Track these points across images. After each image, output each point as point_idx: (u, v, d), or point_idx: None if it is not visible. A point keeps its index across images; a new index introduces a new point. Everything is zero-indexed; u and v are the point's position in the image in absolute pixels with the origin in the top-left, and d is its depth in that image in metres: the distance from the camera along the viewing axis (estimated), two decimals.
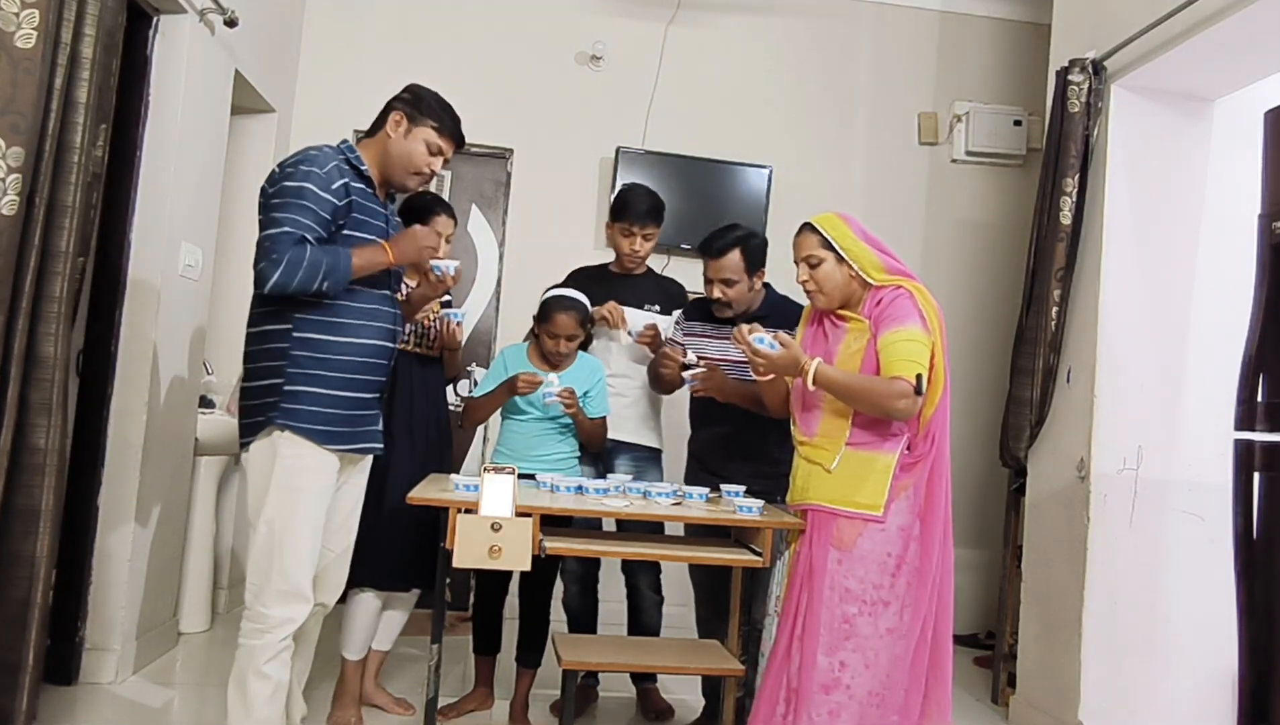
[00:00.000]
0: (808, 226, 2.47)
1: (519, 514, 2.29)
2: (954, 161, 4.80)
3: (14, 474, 2.24)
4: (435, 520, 2.52)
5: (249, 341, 2.33)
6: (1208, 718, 3.12)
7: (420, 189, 2.57)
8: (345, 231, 2.28)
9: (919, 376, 2.28)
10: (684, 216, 4.31)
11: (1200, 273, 3.27)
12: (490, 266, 4.55)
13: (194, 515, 3.75)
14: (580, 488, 2.65)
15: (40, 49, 2.17)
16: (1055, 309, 3.32)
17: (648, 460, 3.26)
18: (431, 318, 2.96)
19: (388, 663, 3.16)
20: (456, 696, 3.14)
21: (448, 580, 2.57)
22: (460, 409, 4.35)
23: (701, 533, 2.81)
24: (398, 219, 2.57)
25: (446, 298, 3.01)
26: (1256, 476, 2.56)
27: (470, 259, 4.50)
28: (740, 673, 2.55)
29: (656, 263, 3.48)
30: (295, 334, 2.25)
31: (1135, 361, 3.22)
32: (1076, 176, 3.27)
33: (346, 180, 2.28)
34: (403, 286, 2.66)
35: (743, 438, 2.94)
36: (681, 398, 3.18)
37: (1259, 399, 2.56)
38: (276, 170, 2.28)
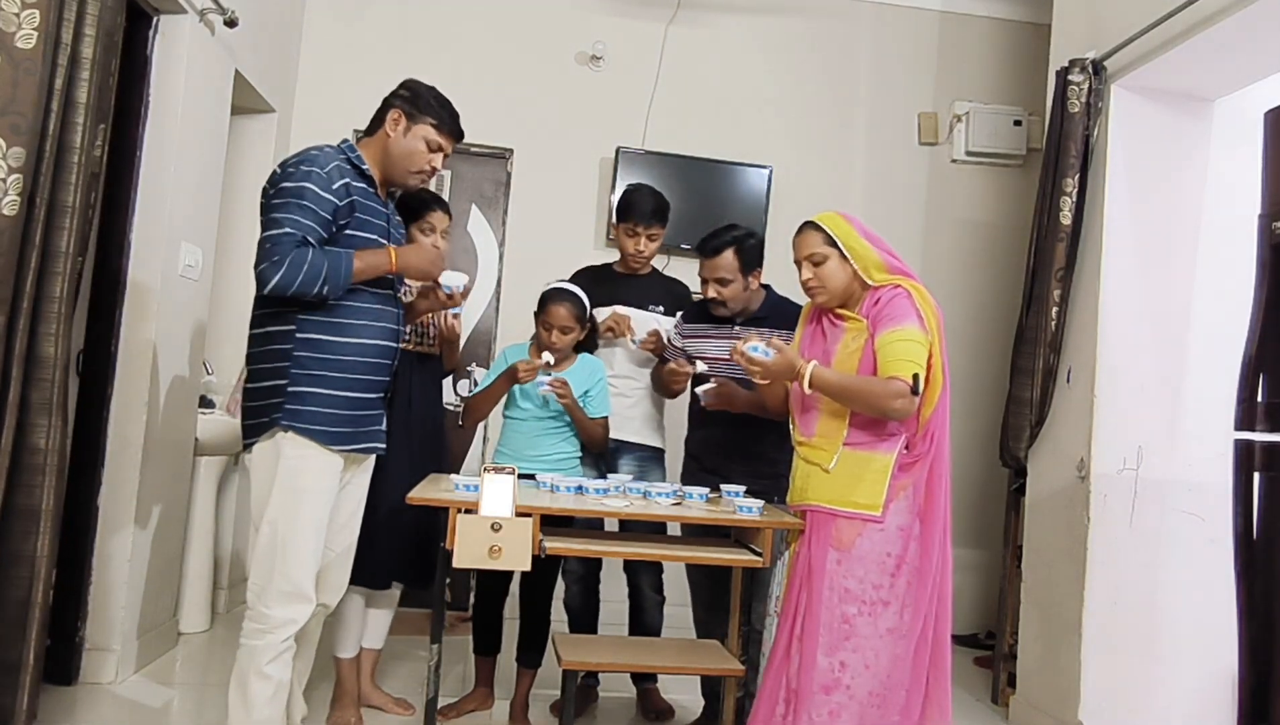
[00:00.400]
0: (810, 225, 2.47)
1: (519, 514, 2.29)
2: (954, 161, 4.80)
3: (14, 474, 2.24)
4: (419, 519, 2.52)
5: (252, 342, 2.34)
6: (1208, 718, 3.12)
7: (420, 186, 2.57)
8: (347, 231, 2.28)
9: (915, 376, 2.28)
10: (684, 216, 4.30)
11: (1200, 272, 3.27)
12: (490, 266, 4.55)
13: (194, 515, 3.74)
14: (580, 488, 2.65)
15: (40, 49, 2.17)
16: (1055, 309, 3.32)
17: (651, 460, 3.27)
18: (427, 319, 2.95)
19: (386, 663, 3.16)
20: (456, 696, 3.14)
21: (448, 580, 2.57)
22: (457, 409, 4.37)
23: (700, 533, 2.81)
24: (398, 218, 2.57)
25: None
26: (1256, 476, 2.56)
27: (470, 259, 4.50)
28: (740, 673, 2.55)
29: (656, 263, 3.48)
30: (299, 335, 2.25)
31: (1135, 361, 3.22)
32: (1076, 176, 3.27)
33: (347, 180, 2.28)
34: (406, 289, 2.66)
35: (740, 437, 2.94)
36: (683, 397, 3.19)
37: (1259, 399, 2.55)
38: (277, 170, 2.28)
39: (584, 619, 3.24)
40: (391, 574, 2.93)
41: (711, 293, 2.94)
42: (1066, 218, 3.29)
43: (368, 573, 2.80)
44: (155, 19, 3.18)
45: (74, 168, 2.31)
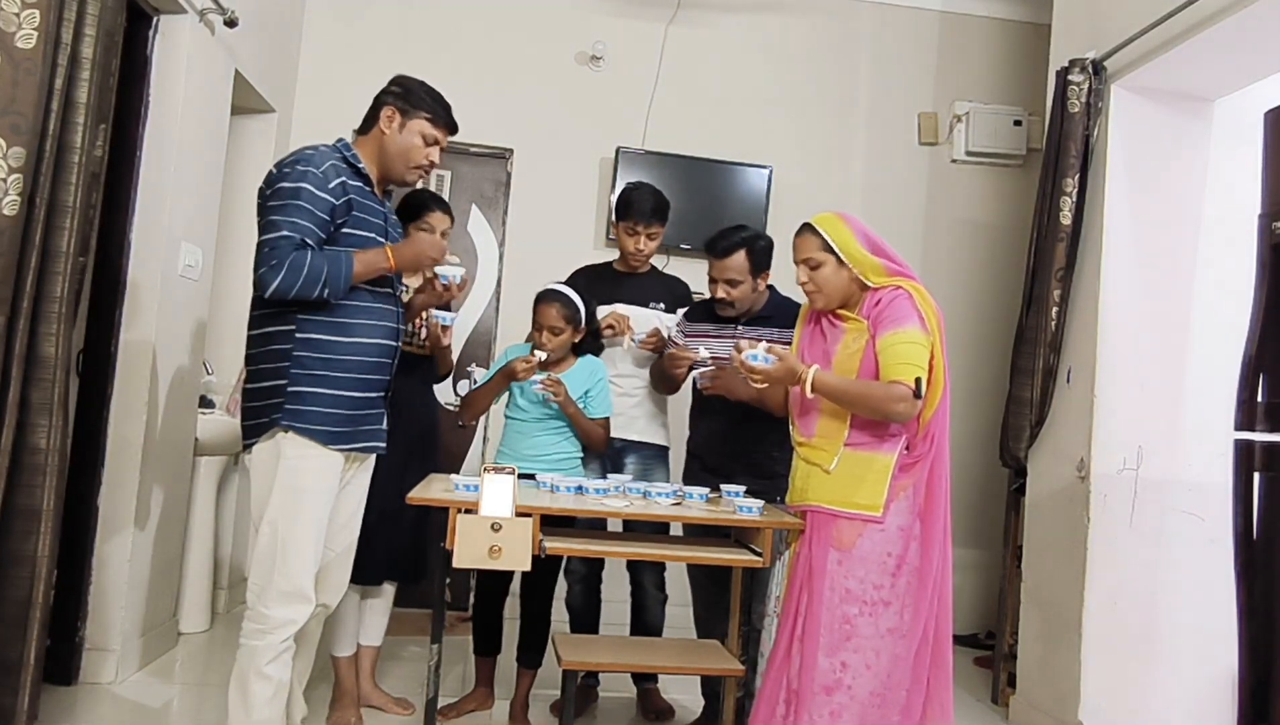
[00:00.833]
0: (808, 227, 2.46)
1: (519, 514, 2.29)
2: (954, 161, 4.80)
3: (15, 474, 2.24)
4: (410, 518, 2.50)
5: (251, 343, 2.33)
6: (1208, 718, 3.12)
7: (420, 181, 2.57)
8: (345, 230, 2.28)
9: (918, 379, 2.28)
10: (684, 216, 4.31)
11: (1200, 272, 3.27)
12: (490, 266, 4.55)
13: (194, 515, 3.74)
14: (580, 488, 2.65)
15: (41, 49, 2.17)
16: (1055, 309, 3.32)
17: (655, 458, 3.28)
18: (422, 319, 2.95)
19: (386, 663, 3.16)
20: (456, 696, 3.13)
21: (448, 580, 2.57)
22: (457, 408, 4.37)
23: (701, 532, 2.81)
24: (395, 216, 2.57)
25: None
26: (1256, 476, 2.56)
27: (470, 259, 4.50)
28: (740, 673, 2.55)
29: (656, 262, 3.49)
30: (298, 335, 2.25)
31: (1135, 361, 3.22)
32: (1076, 176, 3.27)
33: (343, 179, 2.28)
34: (404, 287, 2.66)
35: (740, 436, 2.94)
36: (685, 395, 3.19)
37: (1259, 399, 2.55)
38: (273, 171, 2.27)
39: (586, 619, 3.24)
40: (382, 573, 2.92)
41: (720, 293, 2.94)
42: (1066, 218, 3.29)
43: (359, 570, 2.81)
44: (155, 19, 3.17)
45: (74, 168, 2.31)
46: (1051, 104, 3.42)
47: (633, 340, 3.17)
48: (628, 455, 3.21)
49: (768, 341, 2.40)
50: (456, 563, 2.27)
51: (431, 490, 2.47)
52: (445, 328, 2.95)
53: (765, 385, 2.46)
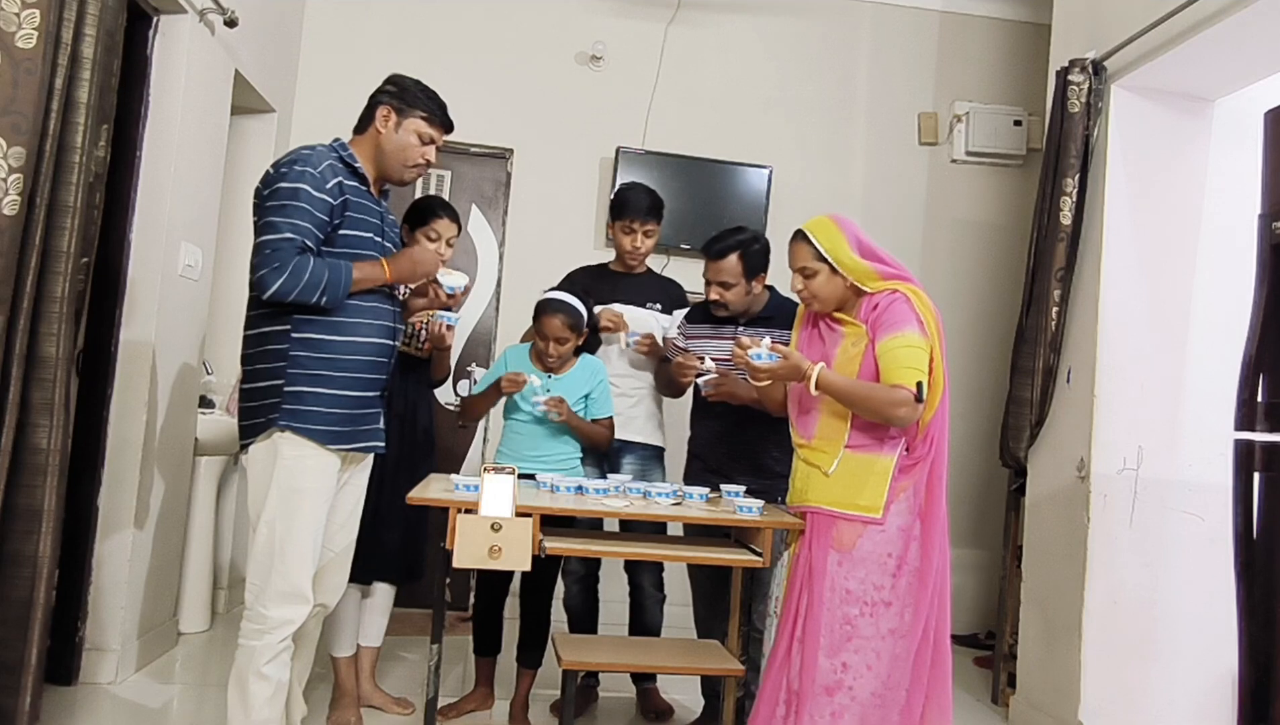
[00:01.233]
0: (801, 235, 2.45)
1: (519, 514, 2.29)
2: (954, 162, 4.80)
3: (16, 474, 2.24)
4: (410, 517, 2.49)
5: (247, 343, 2.33)
6: (1208, 718, 3.12)
7: (416, 180, 2.56)
8: (341, 231, 2.28)
9: (919, 383, 2.27)
10: (684, 217, 4.31)
11: (1200, 273, 3.27)
12: (490, 266, 4.55)
13: (194, 515, 3.74)
14: (580, 488, 2.65)
15: (41, 49, 2.17)
16: (1055, 309, 3.32)
17: (652, 458, 3.28)
18: (423, 320, 2.95)
19: (386, 663, 3.16)
20: (456, 696, 3.13)
21: (447, 580, 2.57)
22: (458, 408, 4.37)
23: (702, 532, 2.81)
24: (393, 217, 2.57)
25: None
26: (1256, 476, 2.57)
27: (470, 259, 4.50)
28: (740, 673, 2.55)
29: (656, 263, 3.49)
30: (295, 334, 2.24)
31: (1135, 361, 3.22)
32: (1076, 176, 3.28)
33: (340, 179, 2.27)
34: (401, 287, 2.66)
35: (742, 436, 2.95)
36: (685, 395, 3.19)
37: (1259, 399, 2.56)
38: (271, 171, 2.27)
39: (584, 619, 3.24)
40: (375, 572, 2.92)
41: (714, 295, 2.94)
42: (1066, 218, 3.29)
43: (363, 569, 2.81)
44: (155, 19, 3.17)
45: (75, 168, 2.31)
46: (1051, 104, 3.42)
47: (628, 343, 3.17)
48: (625, 455, 3.21)
49: (770, 340, 2.39)
50: (456, 563, 2.27)
51: (431, 490, 2.47)
52: (449, 328, 2.95)
53: (768, 382, 2.46)
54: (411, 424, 3.00)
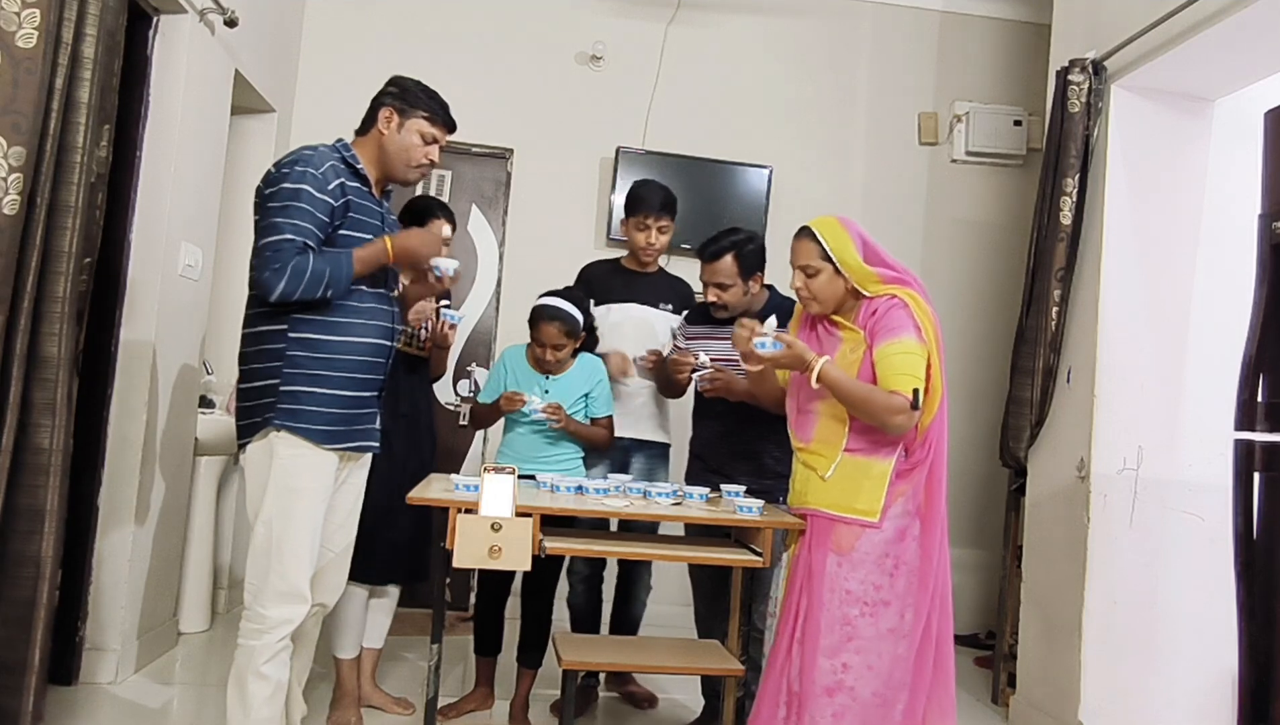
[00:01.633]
0: (808, 232, 2.44)
1: (519, 514, 2.29)
2: (954, 161, 4.80)
3: (18, 474, 2.24)
4: (417, 517, 2.48)
5: (244, 342, 2.32)
6: (1208, 718, 3.12)
7: (420, 180, 2.56)
8: (342, 231, 2.28)
9: (915, 391, 2.27)
10: (684, 216, 4.26)
11: (1200, 273, 3.27)
12: (490, 266, 4.55)
13: (194, 515, 3.74)
14: (580, 488, 2.65)
15: (41, 49, 2.17)
16: (1055, 309, 3.32)
17: (658, 456, 3.30)
18: (423, 321, 2.95)
19: (386, 663, 3.16)
20: (456, 696, 3.14)
21: (448, 580, 2.57)
22: (457, 408, 4.37)
23: (702, 532, 2.82)
24: (394, 217, 2.57)
25: (445, 302, 3.01)
26: (1256, 476, 2.57)
27: (470, 259, 4.50)
28: (740, 673, 2.55)
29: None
30: (292, 334, 2.24)
31: (1135, 361, 3.22)
32: (1076, 176, 3.28)
33: (342, 180, 2.27)
34: (398, 283, 2.66)
35: (742, 436, 2.94)
36: (687, 395, 3.19)
37: (1259, 399, 2.56)
38: (272, 171, 2.27)
39: (587, 619, 3.24)
40: (391, 574, 2.92)
41: (711, 297, 2.95)
42: (1066, 218, 3.29)
43: (368, 571, 2.81)
44: (155, 19, 3.17)
45: (75, 168, 2.31)
46: (1051, 104, 3.42)
47: (634, 374, 3.19)
48: (634, 454, 3.22)
49: (775, 331, 2.38)
50: (456, 563, 2.27)
51: (431, 490, 2.47)
52: (453, 326, 2.95)
53: (757, 369, 2.45)
54: (417, 425, 3.00)
